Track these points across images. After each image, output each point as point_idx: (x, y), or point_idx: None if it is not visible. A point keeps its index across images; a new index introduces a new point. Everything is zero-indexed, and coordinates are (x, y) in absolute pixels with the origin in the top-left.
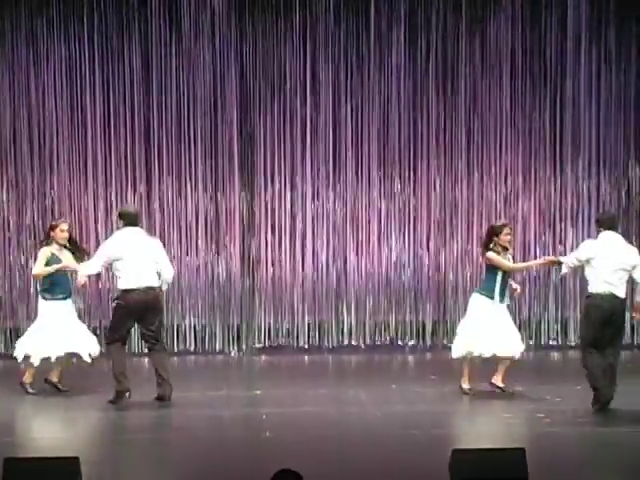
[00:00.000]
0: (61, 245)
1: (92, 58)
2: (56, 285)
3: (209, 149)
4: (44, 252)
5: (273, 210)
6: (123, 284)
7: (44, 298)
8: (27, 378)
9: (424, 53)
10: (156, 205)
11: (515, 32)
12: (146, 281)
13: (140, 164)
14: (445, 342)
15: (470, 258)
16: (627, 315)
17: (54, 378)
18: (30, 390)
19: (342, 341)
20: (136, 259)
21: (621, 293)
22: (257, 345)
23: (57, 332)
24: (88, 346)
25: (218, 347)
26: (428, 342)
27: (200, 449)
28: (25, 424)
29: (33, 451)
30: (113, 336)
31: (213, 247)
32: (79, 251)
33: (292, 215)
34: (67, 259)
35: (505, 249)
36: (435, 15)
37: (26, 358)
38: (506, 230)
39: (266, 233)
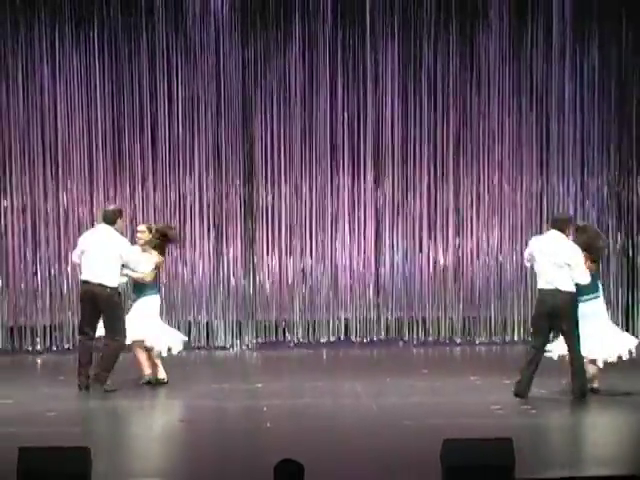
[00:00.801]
0: (140, 245)
1: (102, 64)
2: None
3: (213, 153)
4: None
5: (273, 210)
6: (82, 275)
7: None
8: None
9: (416, 64)
10: (160, 205)
11: (502, 44)
12: (95, 277)
13: (146, 165)
14: (434, 338)
15: (461, 256)
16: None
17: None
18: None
19: (338, 336)
20: (91, 254)
21: (565, 286)
22: (258, 340)
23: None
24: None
25: (220, 342)
26: (421, 338)
27: (204, 439)
28: (35, 415)
29: (45, 441)
30: (79, 328)
31: (215, 245)
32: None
33: (291, 215)
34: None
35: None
36: (426, 28)
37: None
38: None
39: (267, 231)
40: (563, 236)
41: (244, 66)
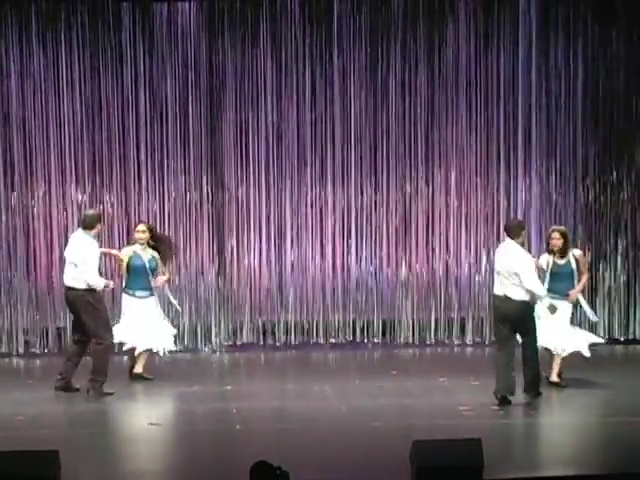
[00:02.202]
0: (142, 244)
1: (69, 65)
2: (133, 282)
3: (181, 153)
4: (124, 250)
5: (242, 212)
6: None
7: (125, 293)
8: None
9: (384, 63)
10: (130, 208)
11: (469, 47)
12: (66, 281)
13: (114, 166)
14: (403, 340)
15: (428, 260)
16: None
17: (139, 369)
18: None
19: (308, 339)
20: (65, 259)
21: (515, 295)
22: (227, 343)
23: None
24: (163, 342)
25: (190, 345)
26: (388, 340)
27: (174, 442)
28: (4, 419)
29: (14, 445)
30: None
31: (185, 247)
32: (161, 248)
33: (260, 217)
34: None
35: (552, 252)
36: (394, 28)
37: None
38: (553, 234)
39: (237, 233)
40: (513, 243)
41: (211, 66)
